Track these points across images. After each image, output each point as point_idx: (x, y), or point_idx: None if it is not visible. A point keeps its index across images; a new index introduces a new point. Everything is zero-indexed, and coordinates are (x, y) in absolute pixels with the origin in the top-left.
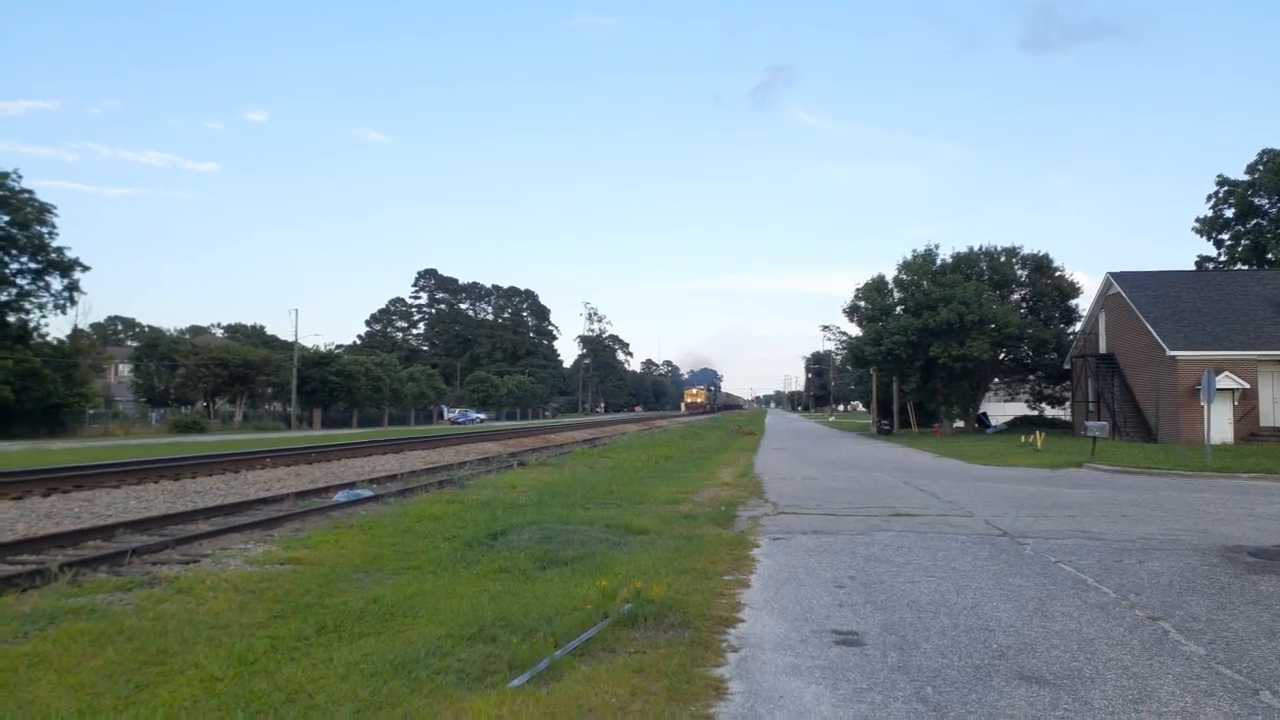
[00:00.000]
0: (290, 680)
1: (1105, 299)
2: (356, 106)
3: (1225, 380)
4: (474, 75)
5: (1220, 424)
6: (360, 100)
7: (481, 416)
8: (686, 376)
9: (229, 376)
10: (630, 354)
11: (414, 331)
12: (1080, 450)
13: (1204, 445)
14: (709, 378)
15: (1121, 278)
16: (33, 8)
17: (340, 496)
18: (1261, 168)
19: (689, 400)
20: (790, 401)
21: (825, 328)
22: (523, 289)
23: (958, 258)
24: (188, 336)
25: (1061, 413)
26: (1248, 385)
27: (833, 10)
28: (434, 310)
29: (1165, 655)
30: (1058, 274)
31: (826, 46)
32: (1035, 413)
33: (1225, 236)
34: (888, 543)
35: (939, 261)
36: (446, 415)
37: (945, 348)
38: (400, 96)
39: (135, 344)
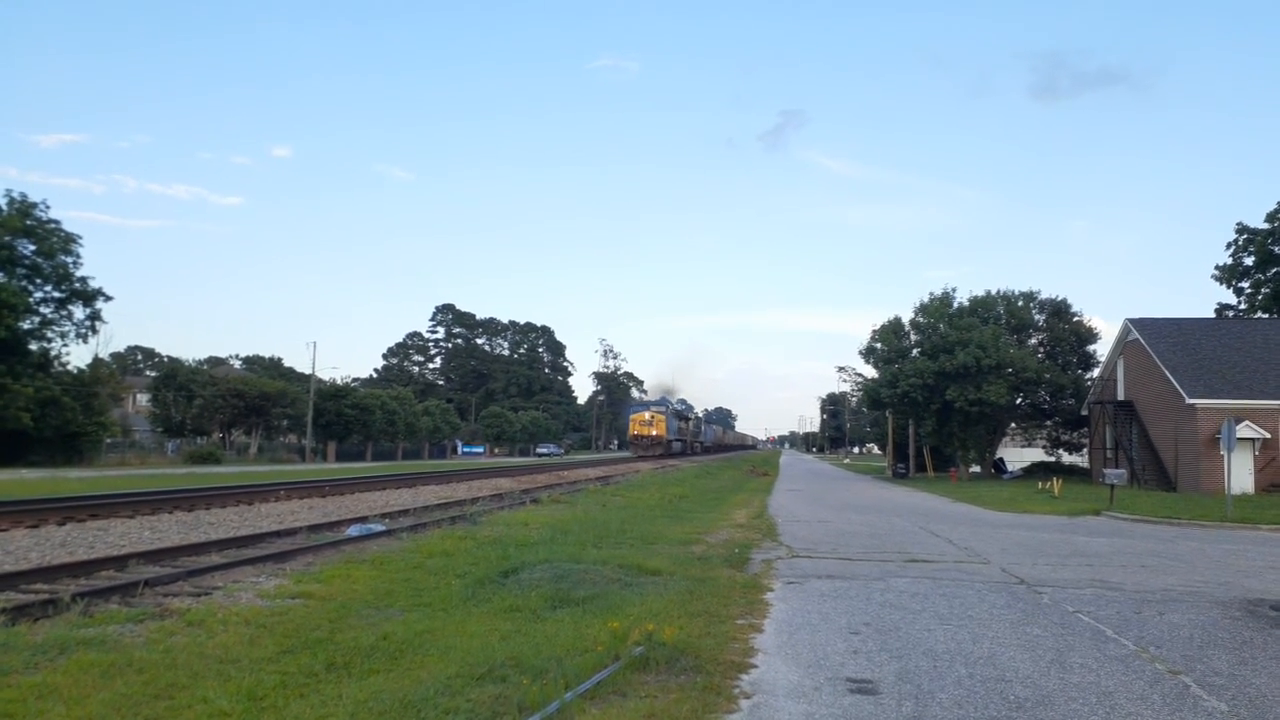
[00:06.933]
0: (299, 718)
1: (1124, 345)
2: (380, 142)
3: (1245, 429)
4: (496, 113)
5: (1240, 474)
6: (384, 136)
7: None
8: (702, 415)
9: (245, 408)
10: (644, 392)
11: (430, 366)
12: (1098, 498)
13: (1224, 495)
14: (721, 418)
15: (1140, 324)
16: (65, 43)
17: (352, 530)
18: None
19: (636, 431)
20: (805, 442)
21: (841, 369)
22: (539, 325)
23: (975, 301)
24: (206, 367)
25: (1079, 459)
26: (1268, 435)
27: (841, 57)
28: (450, 345)
29: (1187, 711)
30: (1076, 319)
31: (836, 92)
32: (1052, 459)
33: (1245, 284)
34: (903, 589)
35: (956, 305)
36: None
37: (962, 391)
38: (423, 133)
39: (154, 374)
